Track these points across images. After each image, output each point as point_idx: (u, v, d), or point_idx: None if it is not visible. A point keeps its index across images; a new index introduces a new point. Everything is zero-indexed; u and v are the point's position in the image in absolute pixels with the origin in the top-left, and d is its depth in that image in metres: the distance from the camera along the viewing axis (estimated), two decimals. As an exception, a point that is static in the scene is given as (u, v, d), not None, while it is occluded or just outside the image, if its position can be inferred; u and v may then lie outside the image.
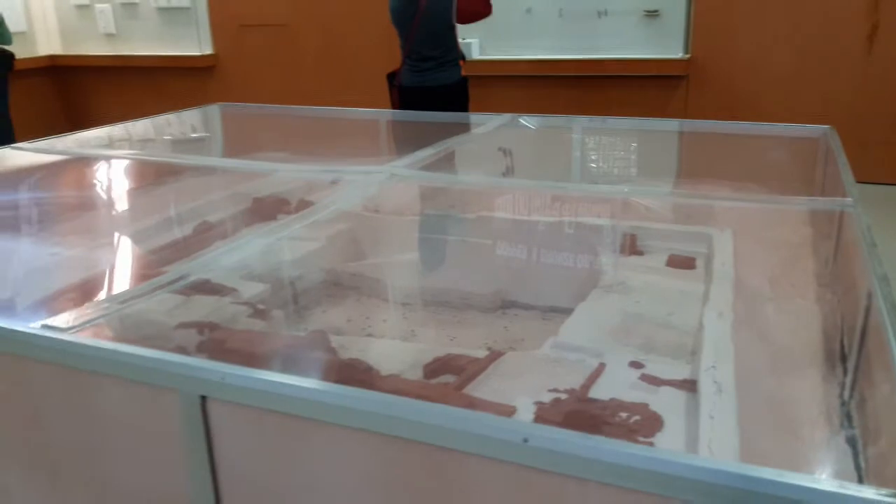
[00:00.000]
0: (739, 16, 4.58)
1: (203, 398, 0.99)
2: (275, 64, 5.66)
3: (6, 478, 1.30)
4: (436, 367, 1.55)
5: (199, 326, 1.58)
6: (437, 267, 2.48)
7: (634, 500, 0.79)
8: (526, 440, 0.81)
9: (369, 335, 2.04)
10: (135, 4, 6.13)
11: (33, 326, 1.14)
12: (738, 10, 4.56)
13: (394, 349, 1.82)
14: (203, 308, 1.72)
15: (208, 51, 5.91)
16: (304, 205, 2.59)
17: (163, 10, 6.02)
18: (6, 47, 5.51)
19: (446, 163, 2.67)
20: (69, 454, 1.18)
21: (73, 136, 3.12)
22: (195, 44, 5.94)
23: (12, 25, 5.88)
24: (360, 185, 2.48)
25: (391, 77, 3.56)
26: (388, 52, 4.96)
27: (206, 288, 1.81)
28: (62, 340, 1.09)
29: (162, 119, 3.65)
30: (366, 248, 2.52)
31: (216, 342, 1.53)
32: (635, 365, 1.53)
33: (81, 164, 2.95)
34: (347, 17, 5.30)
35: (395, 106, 3.56)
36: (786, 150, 2.81)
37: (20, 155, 2.81)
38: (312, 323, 2.16)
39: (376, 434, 0.89)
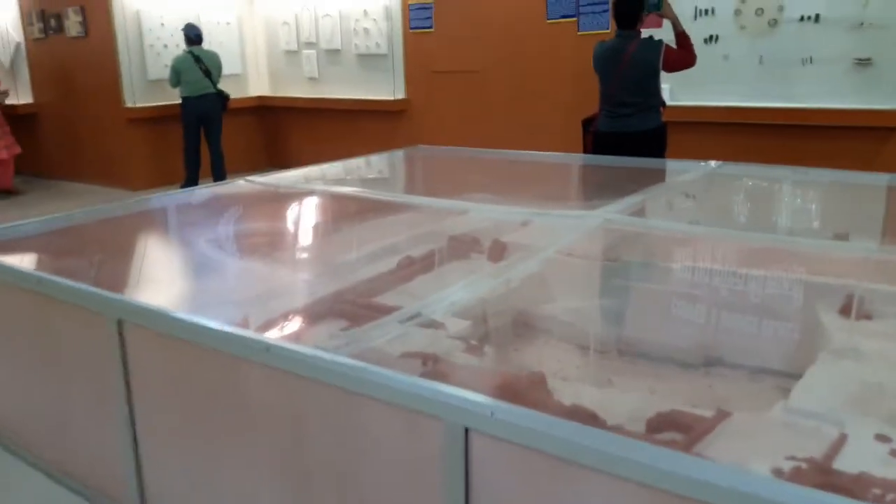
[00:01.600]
0: (967, 63, 4.17)
1: (466, 430, 1.02)
2: (463, 108, 5.86)
3: (257, 484, 1.41)
4: (659, 423, 1.52)
5: (424, 357, 1.64)
6: (635, 316, 2.42)
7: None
8: (822, 510, 0.77)
9: (564, 378, 2.03)
10: (337, 51, 6.61)
11: (305, 347, 1.24)
12: (966, 57, 4.16)
13: (607, 398, 1.79)
14: (420, 340, 1.79)
15: (401, 95, 6.24)
16: (497, 245, 2.65)
17: (362, 57, 6.44)
18: (223, 89, 6.14)
19: (654, 210, 2.62)
20: (323, 467, 1.26)
21: (292, 172, 3.42)
22: (389, 88, 6.29)
23: (230, 69, 6.55)
24: (556, 230, 2.49)
25: (587, 123, 3.56)
26: (574, 98, 4.99)
27: (418, 320, 1.89)
28: (335, 361, 1.17)
29: (366, 159, 3.89)
30: (559, 291, 2.52)
31: (441, 374, 1.58)
32: (882, 438, 1.41)
33: (301, 196, 3.23)
34: (536, 65, 5.40)
35: (587, 151, 3.56)
36: None
37: (250, 187, 3.11)
38: (508, 362, 2.18)
39: (646, 486, 0.88)
